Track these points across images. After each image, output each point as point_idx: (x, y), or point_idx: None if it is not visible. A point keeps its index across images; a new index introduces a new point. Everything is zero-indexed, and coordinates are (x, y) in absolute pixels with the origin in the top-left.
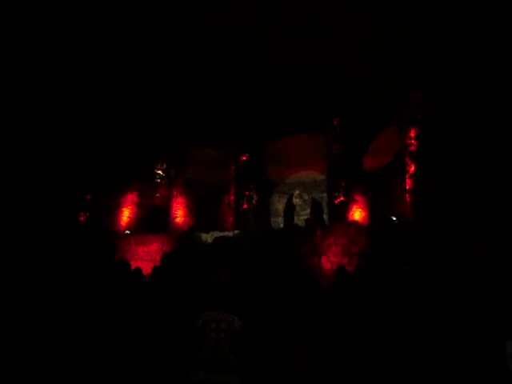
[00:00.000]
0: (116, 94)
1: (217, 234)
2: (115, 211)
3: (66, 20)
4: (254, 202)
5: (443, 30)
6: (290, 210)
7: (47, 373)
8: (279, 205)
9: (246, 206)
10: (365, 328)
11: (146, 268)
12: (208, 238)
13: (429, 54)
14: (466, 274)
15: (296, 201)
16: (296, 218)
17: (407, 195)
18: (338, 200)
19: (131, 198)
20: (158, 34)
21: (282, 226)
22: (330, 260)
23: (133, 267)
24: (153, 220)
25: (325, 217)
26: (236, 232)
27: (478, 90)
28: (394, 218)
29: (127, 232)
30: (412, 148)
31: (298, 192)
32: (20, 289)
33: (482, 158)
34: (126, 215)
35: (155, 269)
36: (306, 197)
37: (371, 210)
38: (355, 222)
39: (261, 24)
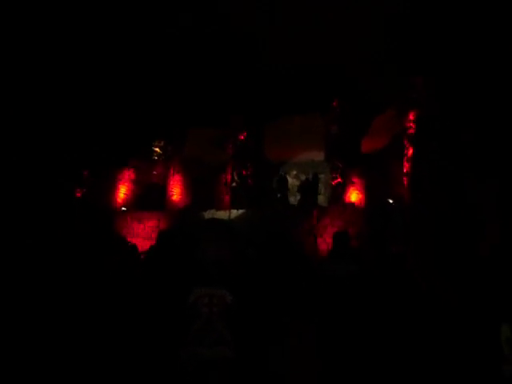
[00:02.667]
0: (116, 73)
1: (213, 212)
2: (112, 188)
3: (67, 18)
4: (249, 182)
5: (444, 15)
6: (282, 189)
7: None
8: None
9: (236, 184)
10: (360, 314)
11: (142, 245)
12: (207, 215)
13: (430, 38)
14: (461, 258)
15: (293, 181)
16: (293, 198)
17: (404, 178)
18: (336, 181)
19: (128, 174)
20: (160, 27)
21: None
22: (326, 241)
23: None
24: (149, 197)
25: (321, 197)
26: (232, 211)
27: (478, 76)
28: (391, 201)
29: (124, 209)
30: (411, 131)
31: (295, 172)
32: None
33: (481, 144)
34: (122, 192)
35: (152, 247)
36: (303, 177)
37: (368, 192)
38: (352, 204)
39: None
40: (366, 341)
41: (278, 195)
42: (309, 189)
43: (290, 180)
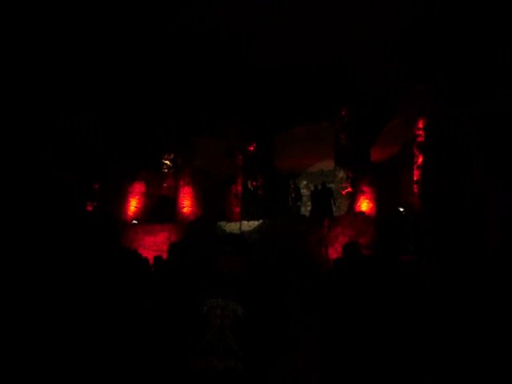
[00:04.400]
0: (125, 86)
1: (224, 223)
2: (122, 201)
3: (67, 18)
4: (260, 193)
5: (447, 21)
6: (297, 199)
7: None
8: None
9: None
10: (369, 320)
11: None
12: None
13: (436, 44)
14: (473, 266)
15: (303, 191)
16: (303, 208)
17: (415, 186)
18: (346, 191)
19: (138, 187)
20: (165, 31)
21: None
22: (337, 251)
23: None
24: (160, 210)
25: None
26: (243, 223)
27: (485, 81)
28: (402, 209)
29: (134, 222)
30: (420, 139)
31: (305, 182)
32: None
33: (490, 149)
34: (133, 205)
35: (156, 259)
36: (312, 187)
37: (379, 201)
38: (362, 213)
39: (263, 22)
40: (375, 351)
41: (298, 203)
42: (320, 198)
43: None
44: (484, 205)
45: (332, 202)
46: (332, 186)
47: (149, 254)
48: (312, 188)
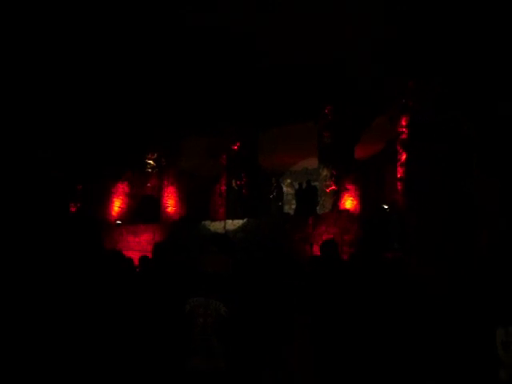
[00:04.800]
0: (109, 85)
1: (208, 223)
2: (106, 201)
3: (67, 18)
4: (244, 192)
5: (437, 18)
6: (279, 198)
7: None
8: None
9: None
10: (358, 317)
11: (138, 258)
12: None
13: (422, 41)
14: (458, 263)
15: (287, 190)
16: (287, 206)
17: (398, 183)
18: (330, 189)
19: (122, 188)
20: (156, 30)
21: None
22: None
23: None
24: (144, 210)
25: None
26: (228, 221)
27: (471, 78)
28: (386, 207)
29: (118, 222)
30: (403, 136)
31: (289, 181)
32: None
33: (476, 146)
34: (117, 205)
35: (142, 259)
36: (297, 186)
37: (363, 199)
38: (347, 211)
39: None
40: (364, 346)
41: (279, 203)
42: (304, 197)
43: (284, 189)
44: (470, 201)
45: (316, 200)
46: (316, 184)
47: (133, 255)
48: (296, 186)
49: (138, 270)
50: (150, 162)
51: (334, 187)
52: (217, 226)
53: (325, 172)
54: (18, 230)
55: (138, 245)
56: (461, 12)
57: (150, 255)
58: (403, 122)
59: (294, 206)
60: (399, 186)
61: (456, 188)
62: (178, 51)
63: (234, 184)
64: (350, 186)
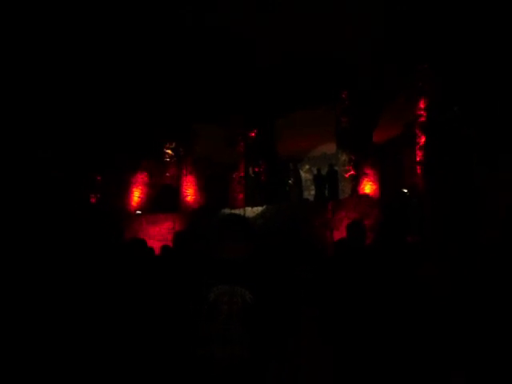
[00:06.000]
0: (124, 75)
1: (227, 211)
2: (126, 192)
3: (67, 17)
4: (262, 178)
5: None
6: (297, 184)
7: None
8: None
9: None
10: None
11: (159, 247)
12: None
13: (436, 24)
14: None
15: (306, 175)
16: (306, 192)
17: (418, 167)
18: (349, 174)
19: (141, 178)
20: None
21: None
22: (342, 234)
23: None
24: (163, 199)
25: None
26: (247, 209)
27: (486, 63)
28: (405, 190)
29: (138, 212)
30: (422, 119)
31: (307, 167)
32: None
33: (491, 130)
34: (136, 195)
35: (164, 247)
36: (315, 171)
37: (382, 183)
38: (366, 196)
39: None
40: (378, 344)
41: (298, 189)
42: (325, 182)
43: (303, 174)
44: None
45: (337, 185)
46: (335, 169)
47: (154, 244)
48: (315, 172)
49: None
50: (168, 151)
51: (352, 172)
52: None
53: (343, 157)
54: (21, 228)
55: (158, 234)
56: (462, 12)
57: (170, 244)
58: (421, 105)
59: (312, 192)
60: (418, 169)
61: (472, 172)
62: (195, 41)
63: (251, 171)
64: (368, 171)
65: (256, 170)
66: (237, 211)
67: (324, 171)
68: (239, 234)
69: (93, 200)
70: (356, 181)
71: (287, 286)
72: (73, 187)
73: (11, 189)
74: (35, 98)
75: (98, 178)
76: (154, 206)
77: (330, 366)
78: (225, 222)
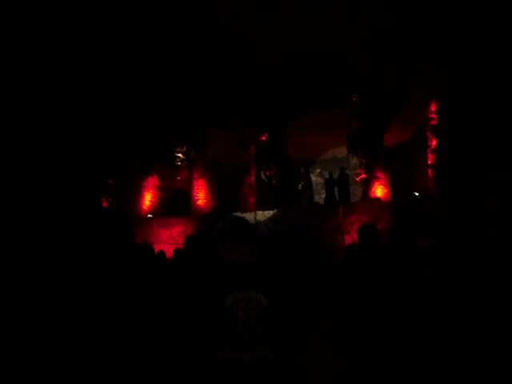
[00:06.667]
0: (134, 78)
1: (239, 214)
2: (137, 195)
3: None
4: (274, 182)
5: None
6: (307, 188)
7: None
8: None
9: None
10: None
11: (170, 251)
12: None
13: (448, 25)
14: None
15: (317, 179)
16: (317, 196)
17: (429, 170)
18: (360, 177)
19: (152, 181)
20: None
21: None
22: (353, 237)
23: (156, 250)
24: (175, 203)
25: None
26: (258, 213)
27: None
28: (417, 194)
29: (149, 216)
30: (433, 122)
31: (318, 170)
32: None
33: (501, 132)
34: (147, 199)
35: (177, 251)
36: (327, 175)
37: (393, 187)
38: (377, 199)
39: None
40: (381, 344)
41: (309, 193)
42: (336, 185)
43: (314, 178)
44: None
45: (348, 189)
46: (346, 172)
47: (165, 247)
48: (327, 176)
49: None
50: (180, 155)
51: (363, 175)
52: (247, 218)
53: (354, 160)
54: (47, 231)
55: (169, 238)
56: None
57: (181, 248)
58: (432, 108)
59: (323, 196)
60: (430, 172)
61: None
62: (205, 43)
63: (262, 175)
64: (379, 174)
65: (268, 173)
66: (248, 215)
67: (335, 175)
68: (245, 237)
69: (104, 204)
70: (367, 184)
71: (289, 286)
72: (72, 187)
73: (11, 189)
74: (35, 98)
75: (110, 181)
76: (165, 210)
77: (330, 366)
78: (231, 224)
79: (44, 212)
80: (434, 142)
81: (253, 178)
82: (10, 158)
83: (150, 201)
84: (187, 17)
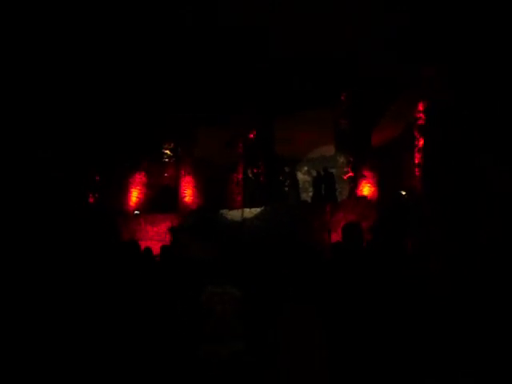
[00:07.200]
0: (123, 75)
1: (226, 212)
2: (124, 192)
3: (68, 17)
4: (261, 180)
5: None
6: (293, 186)
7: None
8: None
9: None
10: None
11: (156, 248)
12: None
13: (439, 26)
14: (475, 249)
15: (304, 177)
16: (304, 194)
17: (416, 169)
18: (347, 176)
19: (139, 178)
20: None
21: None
22: (339, 236)
23: (143, 247)
24: (162, 200)
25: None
26: (245, 210)
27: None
28: (404, 193)
29: (136, 212)
30: (420, 122)
31: (306, 168)
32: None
33: (493, 131)
34: (134, 195)
35: (163, 248)
36: (314, 173)
37: (380, 185)
38: (364, 198)
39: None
40: (372, 343)
41: (296, 191)
42: (321, 184)
43: (301, 176)
44: (486, 187)
45: (334, 187)
46: (333, 171)
47: (152, 244)
48: (314, 174)
49: (158, 259)
50: (167, 151)
51: (351, 174)
52: (234, 215)
53: (342, 159)
54: (33, 226)
55: (156, 234)
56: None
57: (168, 244)
58: (420, 108)
59: (311, 194)
60: (417, 171)
61: (472, 173)
62: (191, 43)
63: (250, 173)
64: (367, 173)
65: (255, 171)
66: (235, 212)
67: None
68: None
69: (91, 200)
70: (354, 183)
71: (274, 283)
72: (72, 187)
73: (11, 189)
74: (35, 98)
75: (97, 177)
76: (153, 207)
77: (323, 364)
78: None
79: (44, 212)
80: (421, 142)
81: (240, 176)
82: (10, 157)
83: (137, 197)
84: (181, 16)
